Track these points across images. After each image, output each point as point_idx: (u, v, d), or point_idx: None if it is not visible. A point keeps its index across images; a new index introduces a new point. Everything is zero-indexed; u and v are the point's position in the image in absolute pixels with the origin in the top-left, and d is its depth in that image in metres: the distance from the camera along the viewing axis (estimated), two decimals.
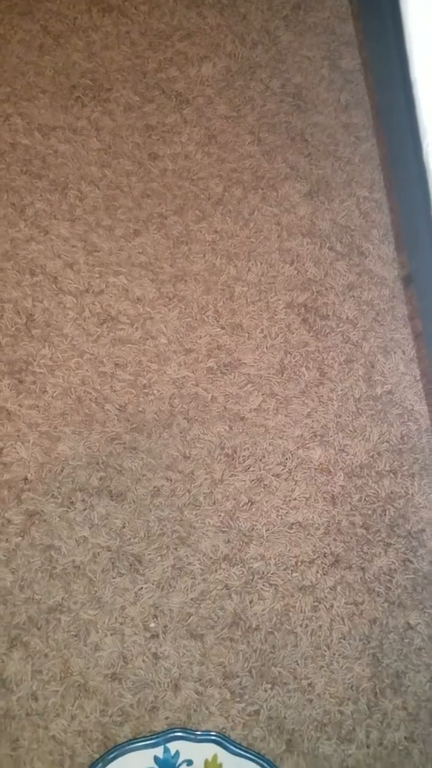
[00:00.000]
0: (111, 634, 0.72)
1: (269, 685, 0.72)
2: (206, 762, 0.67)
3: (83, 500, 0.78)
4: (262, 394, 0.85)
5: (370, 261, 0.93)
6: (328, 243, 0.93)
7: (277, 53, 1.05)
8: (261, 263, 0.91)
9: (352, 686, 0.73)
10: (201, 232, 0.92)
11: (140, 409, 0.83)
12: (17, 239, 0.89)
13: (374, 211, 0.95)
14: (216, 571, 0.76)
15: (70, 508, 0.77)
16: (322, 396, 0.85)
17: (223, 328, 0.87)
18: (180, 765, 0.67)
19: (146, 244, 0.91)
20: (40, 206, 0.92)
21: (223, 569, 0.76)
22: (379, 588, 0.77)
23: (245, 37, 1.05)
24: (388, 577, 0.77)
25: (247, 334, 0.87)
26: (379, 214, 0.95)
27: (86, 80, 1.00)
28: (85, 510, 0.77)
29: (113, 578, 0.75)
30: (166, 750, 0.67)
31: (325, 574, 0.77)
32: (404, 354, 0.89)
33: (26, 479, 0.78)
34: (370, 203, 0.95)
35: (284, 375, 0.86)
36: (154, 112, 0.99)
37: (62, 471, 0.79)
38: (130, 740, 0.68)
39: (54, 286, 0.87)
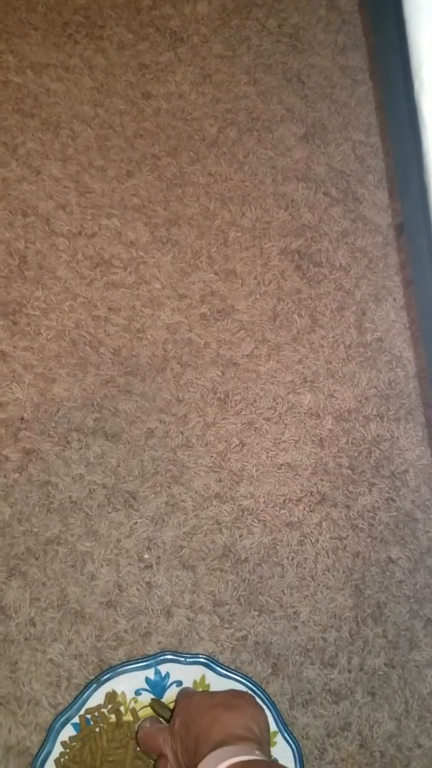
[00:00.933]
0: (107, 565, 0.76)
1: (257, 613, 0.76)
2: (195, 683, 0.71)
3: (79, 440, 0.79)
4: (255, 341, 0.86)
5: (364, 207, 0.93)
6: (323, 188, 0.93)
7: None
8: (255, 208, 0.91)
9: (335, 615, 0.77)
10: (195, 174, 0.91)
11: (134, 353, 0.84)
12: (9, 179, 0.89)
13: (370, 156, 0.95)
14: (207, 507, 0.79)
15: (66, 447, 0.79)
16: (313, 343, 0.87)
17: (216, 273, 0.88)
18: (170, 686, 0.71)
19: (139, 185, 0.90)
20: (32, 146, 0.91)
21: (215, 506, 0.79)
22: (363, 524, 0.80)
23: None
24: (371, 514, 0.80)
25: (240, 281, 0.88)
26: (374, 159, 0.94)
27: (79, 17, 0.98)
28: (80, 449, 0.79)
29: (109, 513, 0.77)
30: (157, 672, 0.71)
31: (311, 512, 0.80)
32: (395, 302, 0.90)
33: (23, 419, 0.79)
34: (365, 148, 0.95)
35: (277, 321, 0.87)
36: (147, 50, 0.97)
37: (58, 412, 0.80)
38: (124, 663, 0.71)
39: (46, 228, 0.87)
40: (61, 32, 0.96)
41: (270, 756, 0.60)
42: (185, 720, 0.61)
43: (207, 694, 0.65)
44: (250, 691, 0.69)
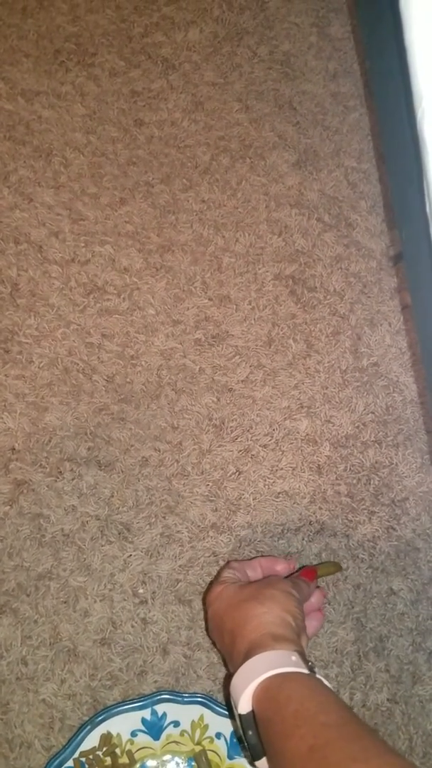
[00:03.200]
0: (100, 600, 0.73)
1: None
2: (193, 723, 0.69)
3: (71, 470, 0.78)
4: (250, 366, 0.85)
5: (357, 233, 0.93)
6: (316, 214, 0.93)
7: (265, 19, 1.03)
8: (249, 234, 0.91)
9: (336, 650, 0.75)
10: (188, 201, 0.91)
11: (128, 380, 0.82)
12: (1, 206, 0.88)
13: (362, 182, 0.95)
14: (204, 538, 0.77)
15: (58, 478, 0.77)
16: (309, 368, 0.86)
17: (210, 299, 0.87)
18: (167, 726, 0.69)
19: (133, 213, 0.90)
20: (23, 173, 0.90)
21: (211, 537, 0.77)
22: (363, 555, 0.78)
23: (232, 2, 1.03)
24: (371, 544, 0.79)
25: (234, 306, 0.87)
26: (367, 185, 0.95)
27: (70, 44, 0.98)
28: (73, 479, 0.77)
29: (102, 546, 0.75)
30: (154, 712, 0.68)
31: (310, 542, 0.78)
32: (390, 326, 0.89)
33: (14, 449, 0.77)
34: (358, 174, 0.95)
35: (272, 347, 0.86)
36: (139, 77, 0.97)
37: (50, 441, 0.79)
38: (119, 703, 0.69)
39: (39, 255, 0.86)
40: (52, 59, 0.96)
41: (306, 645, 0.61)
42: (218, 611, 0.62)
43: (238, 585, 0.65)
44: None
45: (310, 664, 0.55)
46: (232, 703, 0.56)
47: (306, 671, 0.54)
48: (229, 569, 0.68)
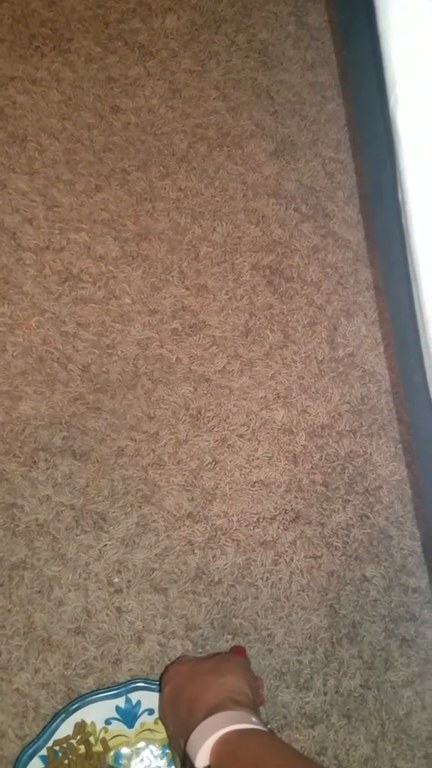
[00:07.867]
0: (75, 590, 0.73)
1: (230, 636, 0.74)
2: None
3: (46, 460, 0.77)
4: (227, 356, 0.85)
5: (334, 223, 0.93)
6: (294, 204, 0.93)
7: (243, 7, 1.02)
8: (226, 223, 0.90)
9: (310, 636, 0.75)
10: (165, 189, 0.90)
11: (104, 369, 0.82)
12: None
13: (339, 172, 0.95)
14: (180, 528, 0.77)
15: (32, 468, 0.77)
16: (285, 358, 0.86)
17: (188, 288, 0.87)
18: (141, 714, 0.69)
19: (108, 200, 0.89)
20: None
21: (187, 526, 0.77)
22: (337, 542, 0.79)
23: None
24: (345, 532, 0.79)
25: (212, 296, 0.87)
26: (344, 175, 0.95)
27: (46, 29, 0.96)
28: (48, 469, 0.77)
29: (77, 535, 0.75)
30: (128, 700, 0.69)
31: (285, 530, 0.79)
32: (366, 317, 0.90)
33: None
34: (335, 164, 0.95)
35: (249, 337, 0.86)
36: (116, 64, 0.96)
37: (24, 431, 0.78)
38: (93, 691, 0.69)
39: (12, 242, 0.85)
40: (27, 45, 0.95)
41: (265, 723, 0.59)
42: (176, 687, 0.61)
43: (195, 660, 0.64)
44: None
45: (269, 726, 0.55)
46: (189, 758, 0.55)
47: (264, 729, 0.53)
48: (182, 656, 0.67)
